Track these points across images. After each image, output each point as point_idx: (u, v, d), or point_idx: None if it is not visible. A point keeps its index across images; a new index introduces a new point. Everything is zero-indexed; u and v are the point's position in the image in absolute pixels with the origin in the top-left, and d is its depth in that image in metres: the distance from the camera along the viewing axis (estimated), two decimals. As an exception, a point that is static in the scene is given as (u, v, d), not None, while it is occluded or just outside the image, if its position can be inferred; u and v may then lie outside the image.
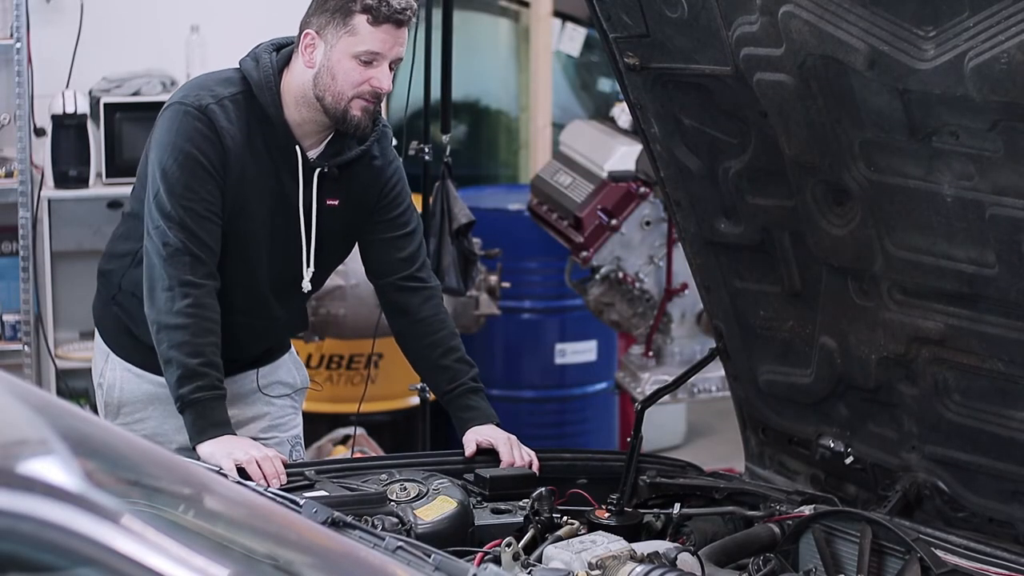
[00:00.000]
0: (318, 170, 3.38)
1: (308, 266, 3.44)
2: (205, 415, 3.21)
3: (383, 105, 3.50)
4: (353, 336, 5.36)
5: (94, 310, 3.62)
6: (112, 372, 3.54)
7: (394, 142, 3.57)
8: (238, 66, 3.39)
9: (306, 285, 3.46)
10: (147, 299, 3.29)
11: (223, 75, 3.39)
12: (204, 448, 3.16)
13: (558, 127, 6.27)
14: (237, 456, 3.11)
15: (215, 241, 3.30)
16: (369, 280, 3.59)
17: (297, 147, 3.35)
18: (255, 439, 3.49)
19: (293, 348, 3.73)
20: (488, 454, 3.33)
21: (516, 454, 3.31)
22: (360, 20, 3.24)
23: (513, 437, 3.35)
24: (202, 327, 3.25)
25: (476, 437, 3.36)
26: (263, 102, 3.33)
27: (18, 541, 1.65)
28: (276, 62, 3.36)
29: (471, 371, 3.47)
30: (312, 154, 3.40)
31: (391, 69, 3.31)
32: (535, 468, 3.30)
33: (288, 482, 3.11)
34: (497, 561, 2.78)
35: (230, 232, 3.34)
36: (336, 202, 3.44)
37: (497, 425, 3.43)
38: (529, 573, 2.73)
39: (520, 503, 3.11)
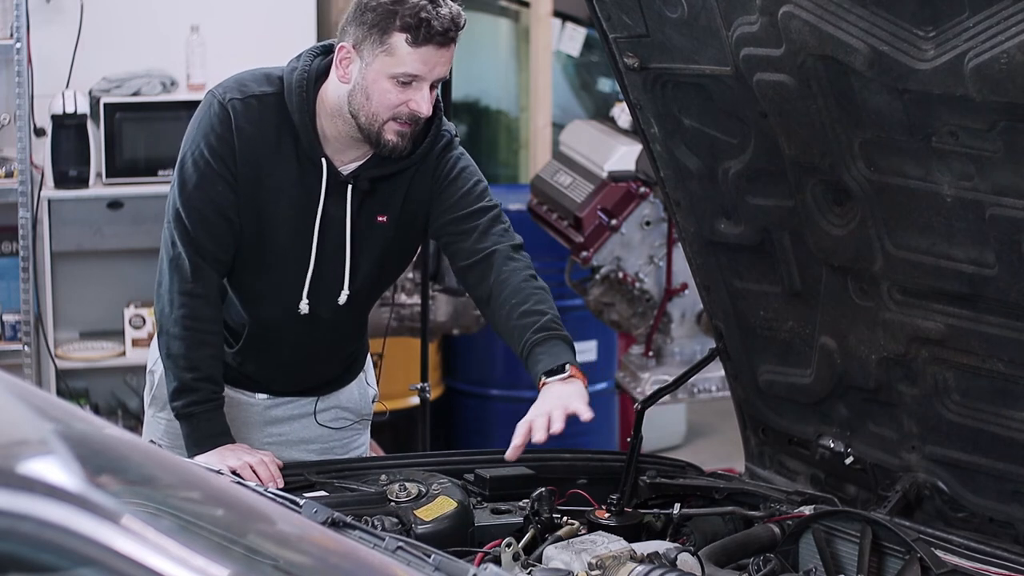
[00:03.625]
0: (350, 185, 3.20)
1: (342, 288, 3.25)
2: (199, 427, 3.20)
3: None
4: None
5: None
6: None
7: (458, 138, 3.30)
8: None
9: (342, 299, 3.26)
10: (156, 291, 3.27)
11: (266, 71, 3.22)
12: (199, 459, 3.13)
13: (558, 127, 6.27)
14: (230, 463, 3.10)
15: (222, 247, 3.21)
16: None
17: (324, 159, 3.18)
18: (304, 460, 3.42)
19: (368, 368, 3.58)
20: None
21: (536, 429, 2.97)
22: (398, 39, 3.02)
23: (555, 409, 3.00)
24: (197, 339, 3.20)
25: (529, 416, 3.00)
26: (290, 108, 3.15)
27: (18, 541, 1.65)
28: (317, 67, 3.17)
29: (535, 323, 3.11)
30: (348, 168, 3.21)
31: (434, 89, 3.09)
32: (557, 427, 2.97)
33: (288, 482, 3.12)
34: (497, 561, 2.78)
35: (251, 240, 3.23)
36: (385, 218, 3.25)
37: (570, 368, 3.08)
38: (529, 573, 2.73)
39: (520, 503, 3.11)
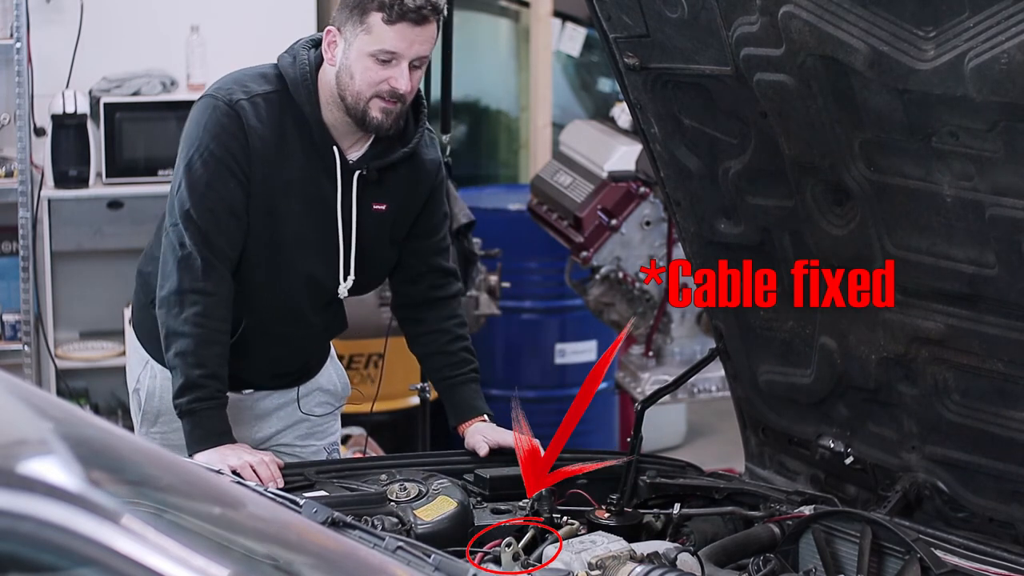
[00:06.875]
0: (357, 173, 3.30)
1: (349, 273, 3.36)
2: (202, 424, 3.20)
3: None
4: (352, 336, 5.35)
5: (133, 312, 3.56)
6: (152, 380, 3.45)
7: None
8: (275, 62, 3.31)
9: (342, 292, 3.37)
10: (158, 297, 3.27)
11: (260, 71, 3.31)
12: (200, 457, 3.14)
13: (558, 127, 6.27)
14: (231, 462, 3.11)
15: (232, 245, 3.24)
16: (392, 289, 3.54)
17: (335, 148, 3.27)
18: (290, 445, 3.49)
19: (333, 351, 3.66)
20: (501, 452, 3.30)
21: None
22: (375, 18, 3.15)
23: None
24: (208, 338, 3.21)
25: (485, 439, 3.34)
26: (299, 101, 3.25)
27: (18, 541, 1.65)
28: (313, 59, 3.28)
29: (472, 362, 3.47)
30: (353, 156, 3.31)
31: (415, 68, 3.20)
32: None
33: (288, 482, 3.12)
34: (497, 561, 2.78)
35: (260, 237, 3.27)
36: (383, 207, 3.34)
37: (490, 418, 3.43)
38: (529, 573, 2.73)
39: (520, 503, 3.11)
